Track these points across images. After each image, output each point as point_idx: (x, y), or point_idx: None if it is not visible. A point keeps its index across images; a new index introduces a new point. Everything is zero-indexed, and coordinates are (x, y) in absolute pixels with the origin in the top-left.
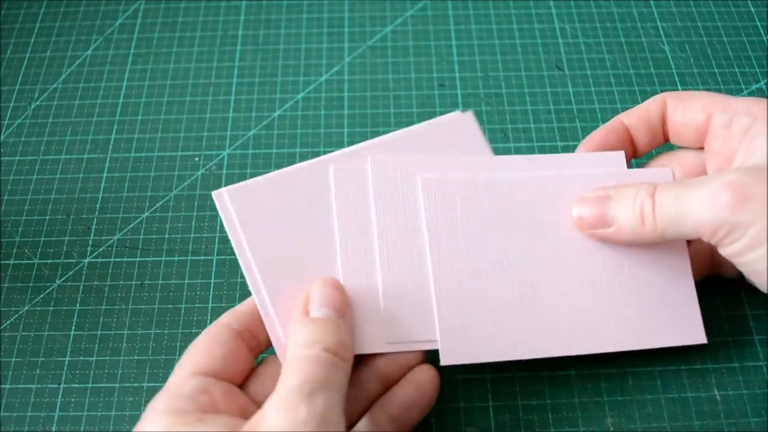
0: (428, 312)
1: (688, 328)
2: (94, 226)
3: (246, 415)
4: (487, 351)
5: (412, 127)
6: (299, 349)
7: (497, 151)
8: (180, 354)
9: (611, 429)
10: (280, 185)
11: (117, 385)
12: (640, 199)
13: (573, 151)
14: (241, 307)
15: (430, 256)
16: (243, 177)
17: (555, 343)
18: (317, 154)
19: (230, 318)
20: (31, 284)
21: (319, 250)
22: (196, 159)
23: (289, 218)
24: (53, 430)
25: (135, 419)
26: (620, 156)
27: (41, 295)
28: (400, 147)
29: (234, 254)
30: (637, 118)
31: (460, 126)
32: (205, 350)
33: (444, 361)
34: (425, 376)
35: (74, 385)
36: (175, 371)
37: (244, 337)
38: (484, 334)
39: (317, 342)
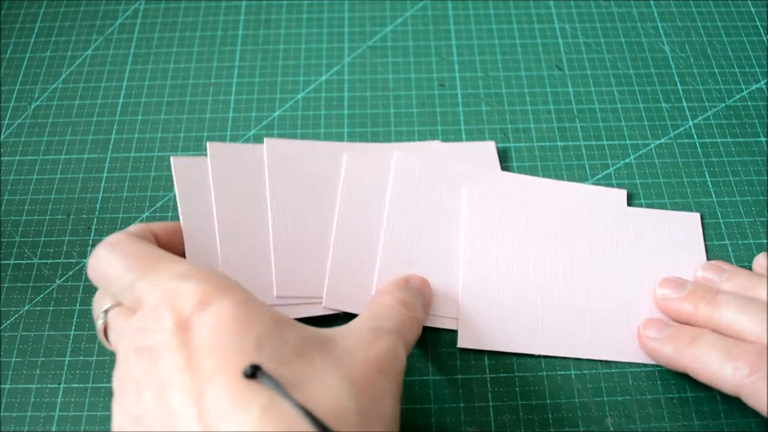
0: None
1: None
2: (94, 226)
3: None
4: (502, 342)
5: (439, 144)
6: (399, 304)
7: (497, 151)
8: None
9: (611, 429)
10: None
11: None
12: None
13: (572, 151)
14: (155, 225)
15: (462, 255)
16: None
17: (567, 344)
18: None
19: (149, 228)
20: (31, 284)
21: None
22: None
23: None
24: (53, 430)
25: None
26: (622, 194)
27: (41, 295)
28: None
29: None
30: None
31: (480, 150)
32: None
33: (461, 344)
34: None
35: (74, 385)
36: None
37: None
38: (500, 328)
39: (413, 307)
